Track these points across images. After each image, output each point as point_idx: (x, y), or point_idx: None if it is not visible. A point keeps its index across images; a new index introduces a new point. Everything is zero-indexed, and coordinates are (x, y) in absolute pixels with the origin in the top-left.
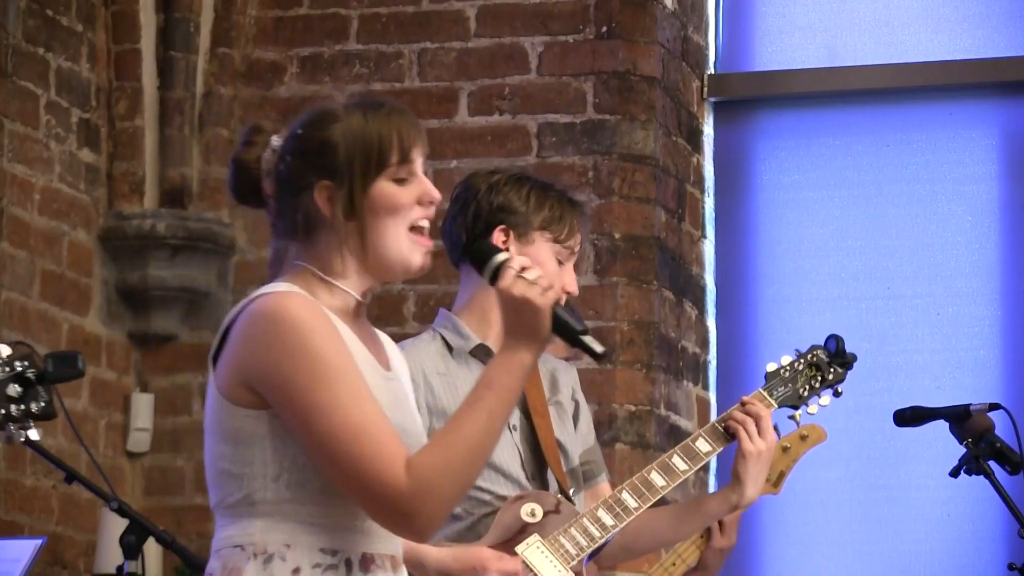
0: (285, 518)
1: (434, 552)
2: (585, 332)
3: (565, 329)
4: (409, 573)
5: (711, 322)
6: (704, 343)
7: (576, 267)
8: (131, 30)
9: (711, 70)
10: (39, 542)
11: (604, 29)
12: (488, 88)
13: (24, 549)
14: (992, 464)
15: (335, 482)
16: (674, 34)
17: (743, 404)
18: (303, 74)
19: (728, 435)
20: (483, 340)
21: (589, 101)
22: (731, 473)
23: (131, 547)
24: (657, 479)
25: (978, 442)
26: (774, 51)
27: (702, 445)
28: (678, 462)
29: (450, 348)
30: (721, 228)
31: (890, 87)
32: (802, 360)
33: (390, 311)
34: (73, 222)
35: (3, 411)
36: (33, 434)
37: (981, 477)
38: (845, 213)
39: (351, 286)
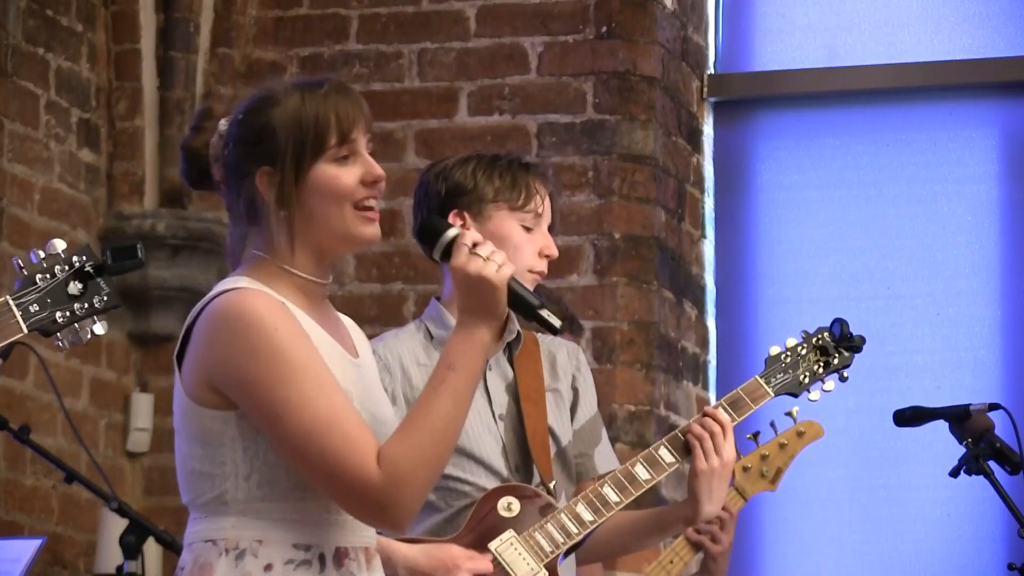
0: (257, 515)
1: (403, 548)
2: (542, 306)
3: (521, 303)
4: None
5: (711, 322)
6: (704, 343)
7: (551, 228)
8: (131, 30)
9: (711, 70)
10: (39, 542)
11: (604, 29)
12: (488, 88)
13: (24, 549)
14: (992, 464)
15: (307, 478)
16: (674, 34)
17: (703, 415)
18: (303, 74)
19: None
20: None
21: (589, 101)
22: (687, 488)
23: (131, 547)
24: (641, 472)
25: (978, 442)
26: (774, 51)
27: (664, 454)
28: (664, 454)
29: (431, 337)
30: (721, 228)
31: (890, 87)
32: (807, 344)
33: (390, 311)
34: (73, 222)
35: (67, 313)
36: (98, 328)
37: (981, 477)
38: (845, 213)
39: (308, 271)
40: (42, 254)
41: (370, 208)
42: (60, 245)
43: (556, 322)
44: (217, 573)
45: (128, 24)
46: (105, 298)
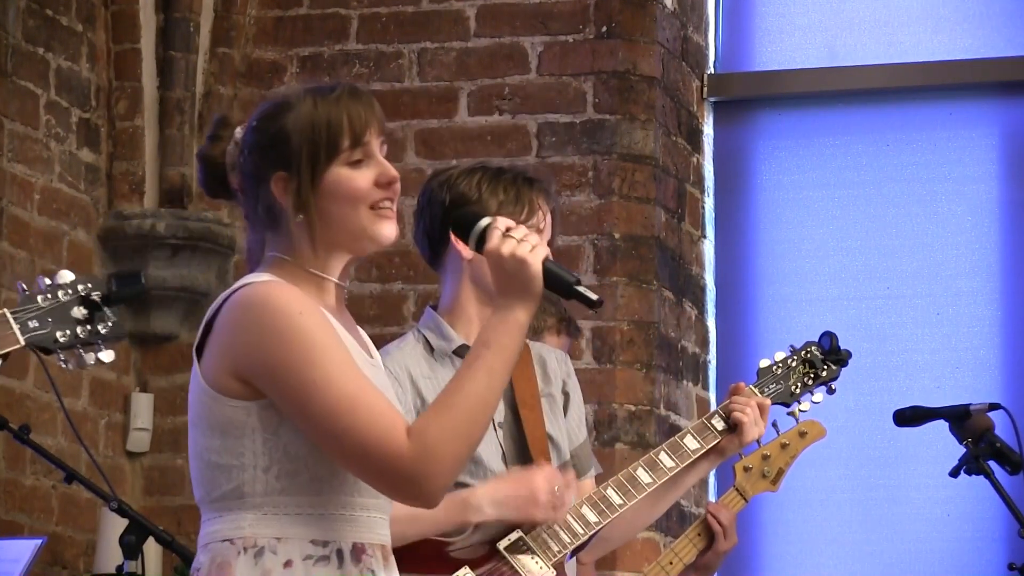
0: (275, 510)
1: (483, 486)
2: (578, 282)
3: (558, 282)
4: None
5: (711, 322)
6: (704, 343)
7: (551, 243)
8: (131, 30)
9: (711, 70)
10: (39, 542)
11: (604, 29)
12: (488, 88)
13: (24, 549)
14: (992, 464)
15: (337, 459)
16: (674, 34)
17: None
18: (303, 74)
19: (718, 432)
20: (466, 340)
21: (589, 101)
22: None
23: (131, 547)
24: (643, 475)
25: (978, 442)
26: (774, 51)
27: (665, 459)
28: (665, 459)
29: (431, 349)
30: (721, 228)
31: (890, 87)
32: (796, 356)
33: (390, 311)
34: (73, 222)
35: (69, 333)
36: (105, 356)
37: (981, 477)
38: (845, 213)
39: (330, 272)
40: (48, 282)
41: (386, 208)
42: (68, 276)
43: (594, 297)
44: (236, 572)
45: (128, 24)
46: (111, 326)
